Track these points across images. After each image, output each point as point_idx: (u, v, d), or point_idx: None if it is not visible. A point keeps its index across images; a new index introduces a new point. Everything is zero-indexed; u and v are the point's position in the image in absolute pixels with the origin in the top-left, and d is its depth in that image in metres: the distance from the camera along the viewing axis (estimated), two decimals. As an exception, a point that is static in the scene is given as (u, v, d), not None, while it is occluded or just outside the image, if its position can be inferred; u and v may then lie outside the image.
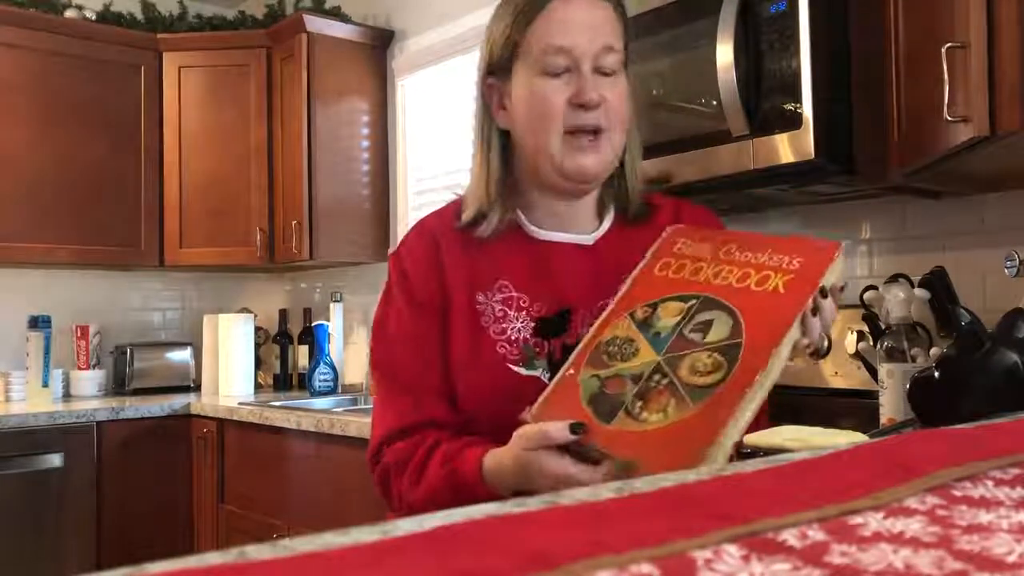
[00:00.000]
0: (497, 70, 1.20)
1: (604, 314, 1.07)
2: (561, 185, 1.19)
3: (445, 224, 1.25)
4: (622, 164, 1.23)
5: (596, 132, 1.15)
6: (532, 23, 1.15)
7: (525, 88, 1.16)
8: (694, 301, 1.00)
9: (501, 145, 1.22)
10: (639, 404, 0.93)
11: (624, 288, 1.07)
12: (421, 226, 1.27)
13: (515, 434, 1.02)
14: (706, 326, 0.96)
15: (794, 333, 0.94)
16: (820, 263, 0.98)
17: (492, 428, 1.14)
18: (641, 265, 1.10)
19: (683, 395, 0.91)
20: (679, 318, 0.99)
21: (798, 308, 0.94)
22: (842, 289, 1.04)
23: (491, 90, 1.22)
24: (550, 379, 1.15)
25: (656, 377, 0.95)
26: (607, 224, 1.25)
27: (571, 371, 1.02)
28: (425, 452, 1.13)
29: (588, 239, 1.23)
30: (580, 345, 1.05)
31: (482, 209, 1.20)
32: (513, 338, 1.17)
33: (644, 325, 1.01)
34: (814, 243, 1.03)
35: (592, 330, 1.06)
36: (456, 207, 1.26)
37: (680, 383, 0.93)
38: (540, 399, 1.03)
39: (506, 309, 1.18)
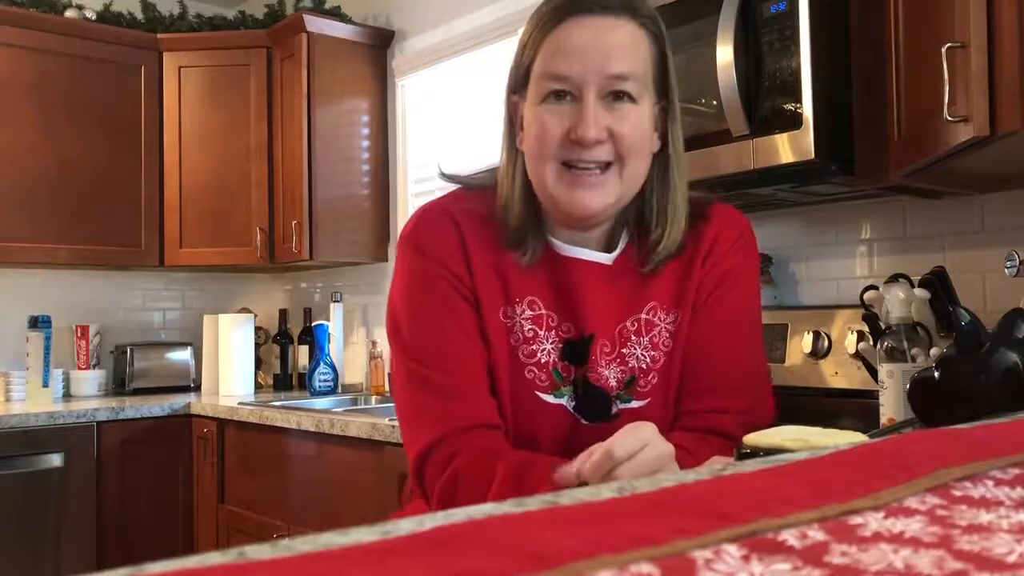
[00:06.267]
0: (517, 88, 1.12)
1: None
2: (562, 220, 1.11)
3: (466, 214, 1.12)
4: (647, 194, 1.14)
5: (607, 165, 1.05)
6: (545, 39, 1.06)
7: (529, 113, 1.09)
8: None
9: (524, 165, 1.12)
10: None
11: None
12: (434, 210, 1.13)
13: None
14: None
15: None
16: None
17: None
18: None
19: None
20: None
21: None
22: None
23: (515, 108, 1.14)
24: (575, 408, 1.09)
25: None
26: (624, 241, 1.15)
27: None
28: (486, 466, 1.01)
29: (607, 258, 1.14)
30: None
31: (520, 226, 1.11)
32: (543, 361, 1.09)
33: None
34: None
35: None
36: (480, 201, 1.14)
37: None
38: None
39: (536, 329, 1.10)
